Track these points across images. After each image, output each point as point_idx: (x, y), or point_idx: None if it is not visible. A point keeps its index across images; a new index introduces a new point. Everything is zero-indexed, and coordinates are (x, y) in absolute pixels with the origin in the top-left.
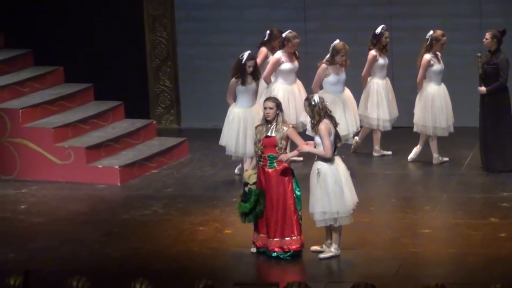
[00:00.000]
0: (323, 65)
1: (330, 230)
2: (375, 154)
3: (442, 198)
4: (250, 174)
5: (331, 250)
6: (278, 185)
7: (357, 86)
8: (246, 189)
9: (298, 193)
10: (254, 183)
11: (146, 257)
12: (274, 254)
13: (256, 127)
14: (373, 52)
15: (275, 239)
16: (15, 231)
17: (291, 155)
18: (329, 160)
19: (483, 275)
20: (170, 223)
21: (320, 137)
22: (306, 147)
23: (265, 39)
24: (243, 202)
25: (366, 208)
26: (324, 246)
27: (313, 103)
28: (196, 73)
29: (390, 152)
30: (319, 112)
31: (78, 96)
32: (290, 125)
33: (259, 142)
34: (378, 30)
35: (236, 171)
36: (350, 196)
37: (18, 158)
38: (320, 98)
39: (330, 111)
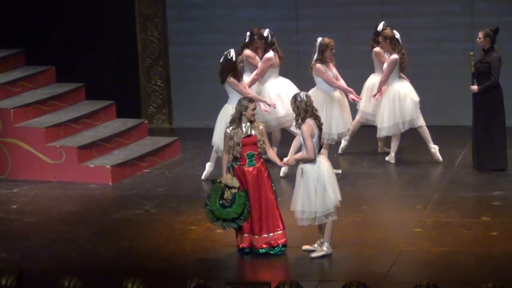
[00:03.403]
0: (318, 65)
1: (322, 229)
2: (344, 141)
3: (434, 197)
4: (231, 178)
5: (323, 249)
6: (260, 182)
7: (349, 85)
8: (229, 194)
9: (274, 187)
10: (238, 187)
11: (138, 257)
12: (263, 251)
13: (230, 130)
14: (377, 49)
15: (263, 236)
16: (6, 230)
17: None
18: (312, 160)
19: (475, 273)
20: (162, 223)
21: (302, 139)
22: (292, 159)
23: (246, 40)
24: (226, 208)
25: (358, 207)
26: (315, 245)
27: (299, 99)
28: (188, 73)
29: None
30: (305, 109)
31: (70, 96)
32: (262, 124)
33: (238, 145)
34: (380, 27)
35: None
36: (332, 195)
37: (10, 158)
38: (307, 96)
39: (316, 110)
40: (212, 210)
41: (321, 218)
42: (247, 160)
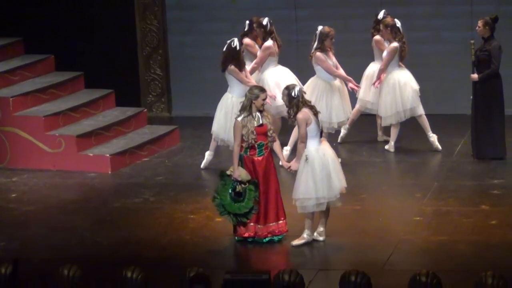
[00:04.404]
0: (318, 54)
1: (321, 217)
2: (343, 130)
3: (433, 186)
4: (246, 174)
5: (303, 236)
6: (269, 172)
7: (348, 74)
8: (240, 188)
9: None
10: (249, 180)
11: (138, 245)
12: (267, 239)
13: (241, 119)
14: (377, 37)
15: (269, 224)
16: (5, 219)
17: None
18: (314, 144)
19: (474, 262)
20: (161, 211)
21: (297, 126)
22: (294, 165)
23: (246, 29)
24: (237, 203)
25: (357, 195)
26: (315, 233)
27: (292, 94)
28: (187, 61)
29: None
30: (297, 104)
31: (69, 84)
32: (270, 114)
33: (252, 133)
34: (380, 15)
35: None
36: (337, 182)
37: (9, 147)
38: (300, 91)
39: (310, 102)
40: (223, 204)
41: (323, 205)
42: (257, 150)
